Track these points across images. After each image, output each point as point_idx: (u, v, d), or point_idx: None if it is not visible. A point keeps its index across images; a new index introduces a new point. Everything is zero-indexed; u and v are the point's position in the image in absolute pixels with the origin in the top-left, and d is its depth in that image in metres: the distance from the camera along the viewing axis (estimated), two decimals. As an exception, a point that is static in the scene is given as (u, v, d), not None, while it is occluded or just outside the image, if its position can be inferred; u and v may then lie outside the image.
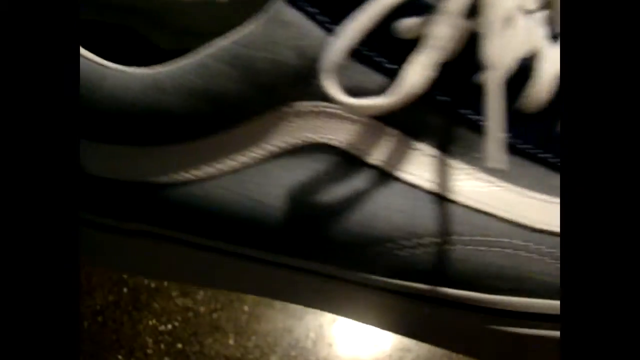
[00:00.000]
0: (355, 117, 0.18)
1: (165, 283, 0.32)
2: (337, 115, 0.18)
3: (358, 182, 0.19)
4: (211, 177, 0.20)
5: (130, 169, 0.20)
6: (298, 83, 0.18)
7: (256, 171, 0.19)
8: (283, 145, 0.19)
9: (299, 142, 0.19)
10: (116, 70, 0.19)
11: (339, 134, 0.19)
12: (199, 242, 0.21)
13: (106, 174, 0.21)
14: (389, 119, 0.18)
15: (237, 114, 0.19)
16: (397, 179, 0.19)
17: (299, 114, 0.18)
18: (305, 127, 0.19)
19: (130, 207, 0.21)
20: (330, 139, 0.19)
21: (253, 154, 0.19)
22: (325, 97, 0.17)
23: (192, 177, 0.20)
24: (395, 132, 0.18)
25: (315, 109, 0.18)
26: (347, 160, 0.19)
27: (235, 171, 0.19)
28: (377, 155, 0.19)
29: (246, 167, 0.19)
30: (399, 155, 0.19)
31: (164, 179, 0.20)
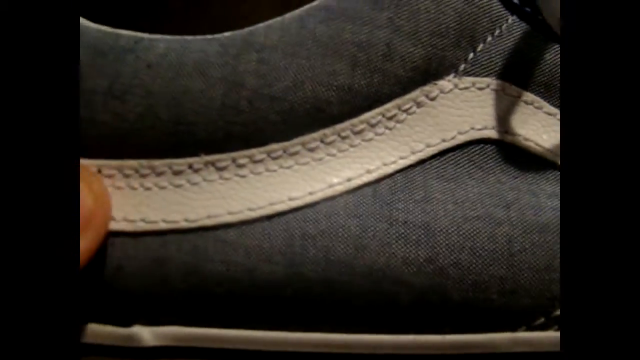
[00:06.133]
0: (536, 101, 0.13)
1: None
2: (511, 95, 0.13)
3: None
4: (317, 202, 0.13)
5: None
6: (461, 45, 0.13)
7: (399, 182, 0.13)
8: (435, 142, 0.13)
9: (454, 135, 0.13)
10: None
11: (523, 126, 0.13)
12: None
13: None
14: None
15: (370, 92, 0.13)
16: None
17: (455, 95, 0.13)
18: (464, 114, 0.13)
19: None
20: (508, 131, 0.13)
21: (394, 158, 0.13)
22: (496, 69, 0.13)
23: (290, 205, 0.13)
24: None
25: (480, 86, 0.13)
26: (530, 163, 0.14)
27: (360, 188, 0.13)
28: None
29: (381, 179, 0.13)
30: None
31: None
